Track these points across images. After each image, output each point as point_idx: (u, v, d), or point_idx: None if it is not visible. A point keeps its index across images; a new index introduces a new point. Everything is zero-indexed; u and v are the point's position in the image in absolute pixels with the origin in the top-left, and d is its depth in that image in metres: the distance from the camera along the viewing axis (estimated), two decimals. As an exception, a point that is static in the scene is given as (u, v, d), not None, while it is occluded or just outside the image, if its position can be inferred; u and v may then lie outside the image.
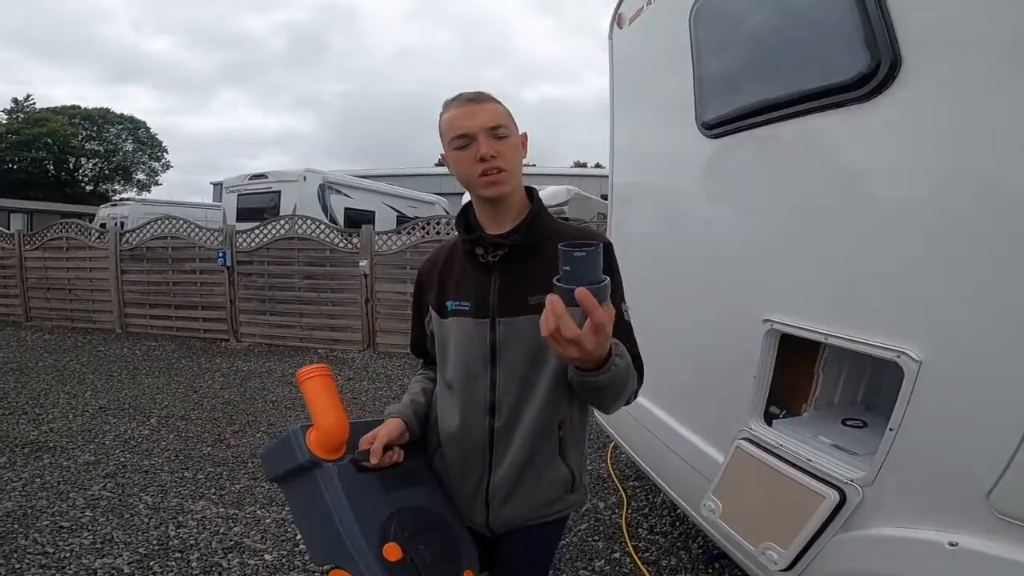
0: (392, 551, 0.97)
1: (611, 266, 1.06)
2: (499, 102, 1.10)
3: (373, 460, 1.04)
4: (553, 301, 0.80)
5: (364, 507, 1.00)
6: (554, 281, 0.80)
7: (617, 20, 2.57)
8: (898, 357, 1.23)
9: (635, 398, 1.09)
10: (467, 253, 1.14)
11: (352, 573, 0.96)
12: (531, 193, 1.17)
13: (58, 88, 64.36)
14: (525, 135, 1.14)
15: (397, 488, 1.07)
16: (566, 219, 5.43)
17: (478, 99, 1.07)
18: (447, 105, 1.09)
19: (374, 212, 10.47)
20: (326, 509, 1.00)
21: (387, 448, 1.08)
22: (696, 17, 1.95)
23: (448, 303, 1.14)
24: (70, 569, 2.36)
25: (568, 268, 0.79)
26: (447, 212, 11.01)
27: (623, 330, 1.06)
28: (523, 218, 1.11)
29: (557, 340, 0.81)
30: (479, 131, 1.03)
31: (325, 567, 1.04)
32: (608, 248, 1.06)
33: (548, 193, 6.75)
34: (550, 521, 1.15)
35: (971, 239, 1.13)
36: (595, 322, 0.78)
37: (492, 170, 1.04)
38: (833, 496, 1.31)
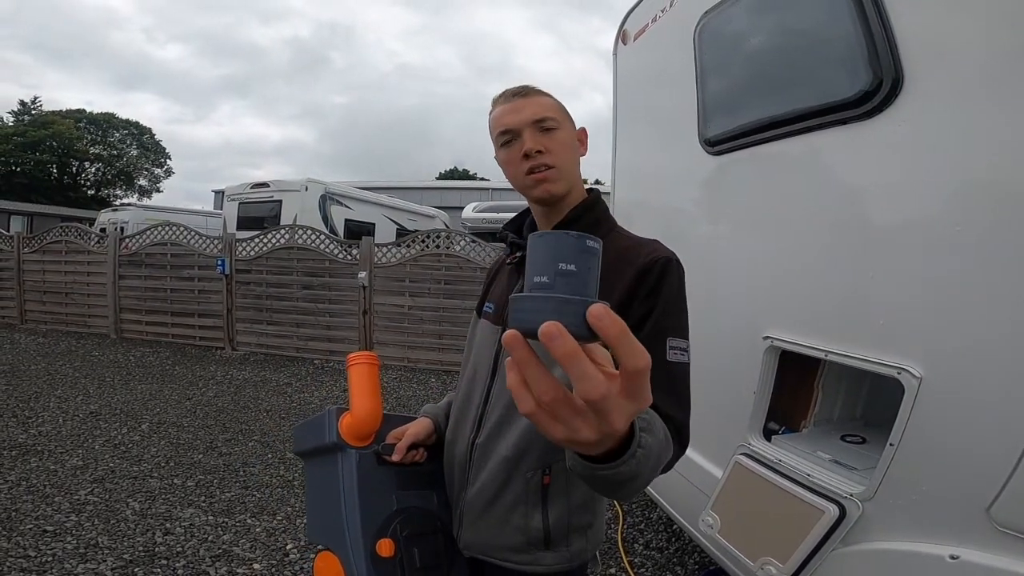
0: (385, 547, 0.97)
1: (659, 287, 0.88)
2: (548, 95, 1.01)
3: (396, 457, 1.05)
4: (515, 342, 0.40)
5: (373, 499, 1.02)
6: (519, 296, 0.42)
7: (622, 36, 2.62)
8: (899, 374, 1.24)
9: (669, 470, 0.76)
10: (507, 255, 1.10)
11: (340, 557, 0.98)
12: (590, 194, 1.04)
13: (66, 92, 64.72)
14: (583, 131, 1.04)
15: (410, 487, 1.08)
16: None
17: (523, 92, 0.99)
18: (494, 102, 1.02)
19: (374, 224, 10.50)
20: (336, 491, 1.02)
21: (413, 447, 1.07)
22: (701, 34, 1.99)
23: (485, 304, 1.12)
24: (51, 573, 2.31)
25: (568, 268, 0.41)
26: (447, 226, 11.05)
27: (666, 379, 0.82)
28: (559, 220, 0.99)
29: (551, 410, 0.41)
30: (523, 125, 0.95)
31: (318, 546, 1.05)
32: (665, 265, 0.89)
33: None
34: (519, 571, 0.99)
35: (973, 256, 1.14)
36: (631, 369, 0.39)
37: (539, 167, 0.95)
38: (832, 511, 1.30)
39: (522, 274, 1.01)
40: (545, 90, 1.01)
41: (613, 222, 1.03)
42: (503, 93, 1.01)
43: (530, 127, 0.95)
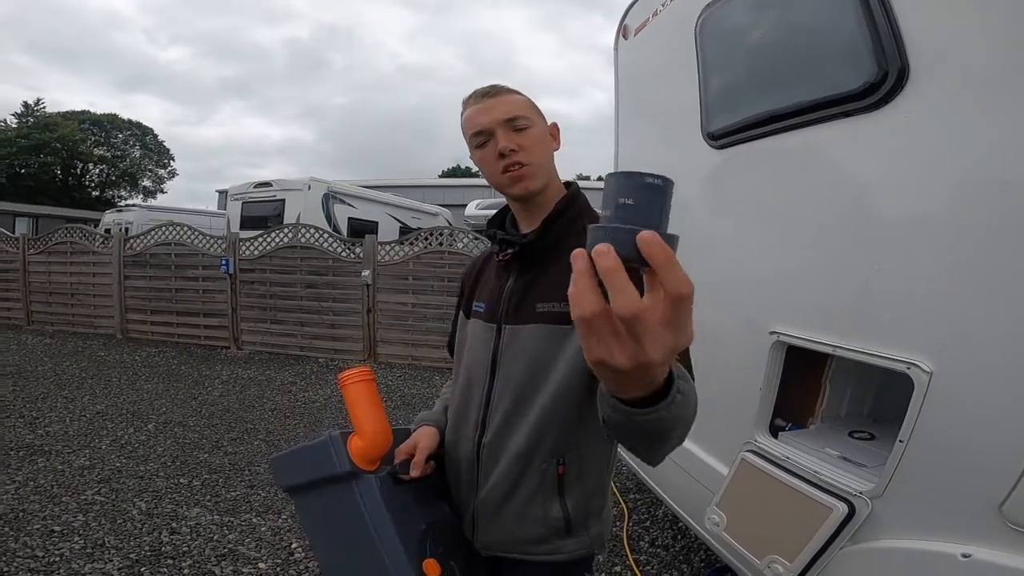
0: (432, 568, 0.93)
1: None
2: (517, 92, 1.01)
3: (415, 473, 0.99)
4: (578, 256, 0.44)
5: (404, 522, 0.95)
6: (590, 227, 0.45)
7: (623, 31, 2.59)
8: (908, 369, 1.22)
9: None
10: (495, 253, 1.08)
11: None
12: (569, 188, 1.05)
13: (69, 94, 65.18)
14: (555, 126, 1.04)
15: (428, 502, 1.03)
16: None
17: (493, 92, 0.99)
18: (464, 103, 1.02)
19: (377, 222, 10.50)
20: (362, 523, 0.95)
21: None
22: (702, 27, 1.97)
23: (474, 304, 1.10)
24: (59, 573, 2.32)
25: (626, 202, 0.44)
26: (450, 224, 11.04)
27: None
28: (544, 217, 1.00)
29: (592, 323, 0.43)
30: (496, 124, 0.96)
31: None
32: None
33: None
34: (540, 562, 1.00)
35: (981, 250, 1.12)
36: (672, 294, 0.41)
37: (514, 165, 0.95)
38: (841, 508, 1.28)
39: (525, 273, 1.02)
40: (514, 88, 1.02)
41: (595, 213, 1.04)
42: (473, 94, 1.01)
43: (502, 126, 0.96)
